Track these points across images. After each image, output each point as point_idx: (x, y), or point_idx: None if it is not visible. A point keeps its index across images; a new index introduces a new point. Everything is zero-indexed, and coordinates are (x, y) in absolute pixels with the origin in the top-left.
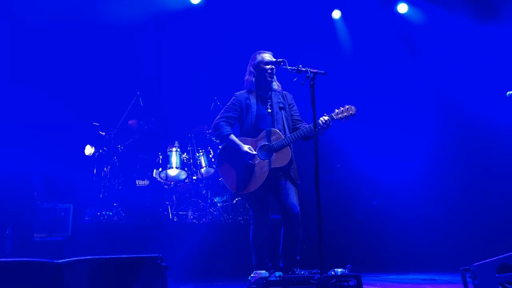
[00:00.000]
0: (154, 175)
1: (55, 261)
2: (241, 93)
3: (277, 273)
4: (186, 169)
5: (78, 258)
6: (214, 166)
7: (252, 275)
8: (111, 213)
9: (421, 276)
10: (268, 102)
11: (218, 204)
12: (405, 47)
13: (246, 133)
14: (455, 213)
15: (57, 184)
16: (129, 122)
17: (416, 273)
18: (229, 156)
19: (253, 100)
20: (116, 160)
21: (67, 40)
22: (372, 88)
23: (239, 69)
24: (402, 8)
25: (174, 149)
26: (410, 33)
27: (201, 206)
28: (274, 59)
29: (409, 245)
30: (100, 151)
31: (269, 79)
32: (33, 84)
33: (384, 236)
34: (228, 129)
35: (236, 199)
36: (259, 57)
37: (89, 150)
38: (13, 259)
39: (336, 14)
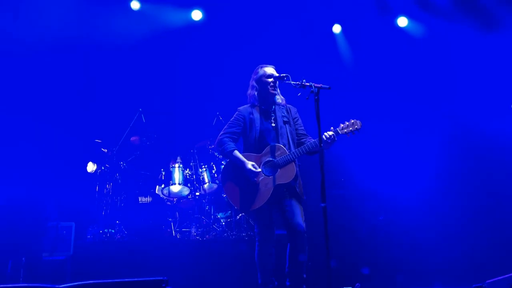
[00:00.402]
0: (156, 192)
1: (56, 286)
2: (244, 108)
3: None
4: (189, 185)
5: (79, 283)
6: (217, 181)
7: None
8: (113, 231)
9: None
10: (272, 116)
11: (222, 220)
12: (407, 60)
13: (250, 148)
14: (465, 229)
15: (59, 202)
16: (131, 139)
17: None
18: (233, 172)
19: (256, 114)
20: (118, 177)
21: (70, 58)
22: (375, 101)
23: (241, 84)
24: (402, 21)
25: (176, 165)
26: (411, 46)
27: (205, 223)
28: (276, 73)
29: (417, 261)
30: (102, 168)
31: (272, 91)
32: (37, 102)
33: (391, 252)
34: (231, 145)
35: (240, 215)
36: (261, 71)
37: (91, 167)
38: (13, 285)
39: (337, 28)
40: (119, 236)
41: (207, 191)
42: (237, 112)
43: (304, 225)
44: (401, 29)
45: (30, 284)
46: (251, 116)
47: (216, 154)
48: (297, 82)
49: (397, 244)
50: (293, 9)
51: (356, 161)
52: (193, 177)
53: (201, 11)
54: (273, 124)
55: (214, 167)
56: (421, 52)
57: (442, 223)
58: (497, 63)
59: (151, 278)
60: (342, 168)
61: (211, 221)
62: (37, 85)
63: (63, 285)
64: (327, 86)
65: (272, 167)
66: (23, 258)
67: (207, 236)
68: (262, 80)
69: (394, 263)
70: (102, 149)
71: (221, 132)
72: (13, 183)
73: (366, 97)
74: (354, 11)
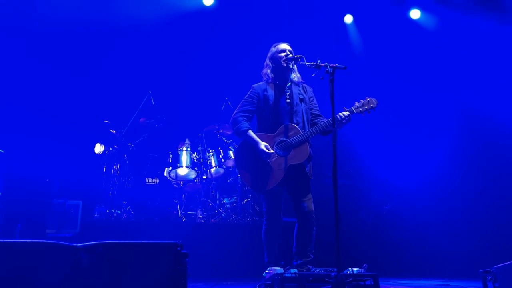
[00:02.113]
0: (164, 174)
1: (74, 244)
2: (258, 85)
3: (292, 270)
4: (196, 168)
5: (97, 242)
6: (224, 166)
7: (266, 271)
8: (119, 212)
9: (434, 281)
10: (287, 92)
11: (227, 205)
12: (419, 52)
13: (265, 126)
14: (471, 217)
15: (67, 181)
16: (140, 120)
17: (429, 279)
18: (247, 152)
19: (270, 91)
20: (126, 158)
21: (80, 39)
22: (385, 92)
23: (251, 69)
24: (415, 14)
25: (184, 148)
26: (423, 38)
27: (210, 206)
28: (290, 48)
29: (422, 250)
30: (111, 148)
31: (286, 64)
32: (45, 82)
33: (396, 241)
34: (245, 124)
35: (246, 200)
36: (274, 49)
37: (98, 148)
38: (32, 241)
39: (348, 18)
40: (125, 216)
41: (213, 175)
42: (251, 89)
43: (312, 206)
44: (413, 21)
45: (49, 241)
46: (265, 93)
47: (223, 139)
48: (312, 63)
49: (402, 232)
50: None
51: (362, 151)
52: (200, 161)
53: None
54: (288, 100)
55: (222, 152)
56: (434, 44)
57: (449, 211)
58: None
59: (166, 242)
60: (349, 158)
61: (217, 205)
62: (48, 66)
63: (80, 244)
64: (343, 66)
65: (285, 147)
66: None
67: (212, 219)
68: (275, 56)
69: (398, 251)
70: (111, 130)
71: (235, 111)
72: (23, 161)
73: (375, 87)
74: (367, 1)
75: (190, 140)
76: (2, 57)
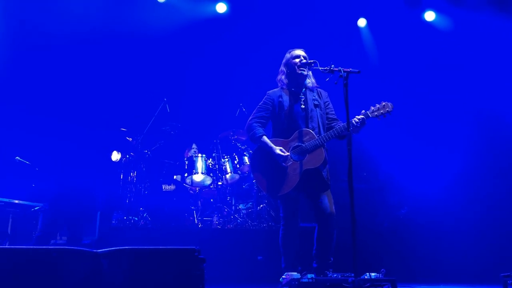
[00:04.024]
0: (179, 180)
1: (94, 250)
2: (273, 91)
3: (309, 275)
4: (211, 174)
5: (117, 248)
6: (239, 172)
7: (283, 276)
8: (136, 218)
9: (454, 286)
10: (302, 98)
11: (243, 211)
12: (436, 53)
13: (280, 132)
14: (490, 221)
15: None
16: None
17: (448, 284)
18: (262, 157)
19: (285, 97)
20: (142, 165)
21: (97, 49)
22: (400, 95)
23: (265, 76)
24: (430, 16)
25: (199, 154)
26: (438, 40)
27: (226, 212)
28: (304, 53)
29: (440, 255)
30: (127, 156)
31: (300, 70)
32: (63, 91)
33: (414, 245)
34: (260, 130)
35: (261, 205)
36: (288, 55)
37: (115, 156)
38: (54, 247)
39: (362, 22)
40: (142, 223)
41: (229, 181)
42: (265, 96)
43: (333, 209)
44: (428, 24)
45: (71, 247)
46: (280, 99)
47: (238, 145)
48: (326, 68)
49: (419, 237)
50: (318, 1)
51: (378, 155)
52: (215, 167)
53: (225, 4)
54: (303, 106)
55: (237, 158)
56: (450, 46)
57: (467, 215)
58: None
59: (184, 247)
60: (364, 162)
61: (232, 211)
62: (66, 77)
63: (101, 250)
64: (357, 70)
65: (300, 152)
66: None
67: (228, 225)
68: (289, 62)
69: (415, 256)
70: (127, 137)
71: (250, 117)
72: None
73: (390, 90)
74: (380, 5)
75: (200, 146)
76: (20, 68)
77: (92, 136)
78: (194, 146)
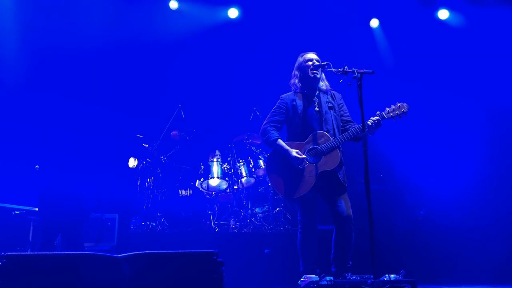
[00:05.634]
0: (196, 185)
1: (115, 255)
2: (287, 95)
3: (327, 278)
4: (227, 179)
5: (137, 252)
6: (255, 176)
7: (302, 279)
8: (154, 224)
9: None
10: (316, 101)
11: (259, 214)
12: (450, 52)
13: (295, 135)
14: (510, 223)
15: (103, 195)
16: (171, 133)
17: (467, 285)
18: (277, 161)
19: (299, 101)
20: (159, 171)
21: (112, 56)
22: (415, 95)
23: (278, 79)
24: (443, 14)
25: (215, 159)
26: (453, 39)
27: (242, 216)
28: (317, 57)
29: (459, 255)
30: (144, 162)
31: (314, 73)
32: (79, 98)
33: (433, 246)
34: (275, 134)
35: (278, 208)
36: (300, 58)
37: (132, 162)
38: (74, 252)
39: (374, 23)
40: (160, 228)
41: (244, 185)
42: (279, 100)
43: (350, 211)
44: (442, 22)
45: (91, 252)
46: (294, 102)
47: (253, 148)
48: (339, 69)
49: (438, 238)
50: (329, 3)
51: (394, 156)
52: (231, 171)
53: (237, 9)
54: (317, 109)
55: (252, 162)
56: (464, 44)
57: (486, 215)
58: None
59: (202, 250)
60: (380, 164)
61: (249, 214)
62: (83, 85)
63: (121, 255)
64: (370, 71)
65: (316, 155)
66: (59, 238)
67: (245, 229)
68: (302, 66)
69: (435, 257)
70: (144, 144)
71: (265, 121)
72: (60, 177)
73: (405, 90)
74: (393, 5)
75: (220, 151)
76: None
77: (110, 143)
78: (217, 152)
